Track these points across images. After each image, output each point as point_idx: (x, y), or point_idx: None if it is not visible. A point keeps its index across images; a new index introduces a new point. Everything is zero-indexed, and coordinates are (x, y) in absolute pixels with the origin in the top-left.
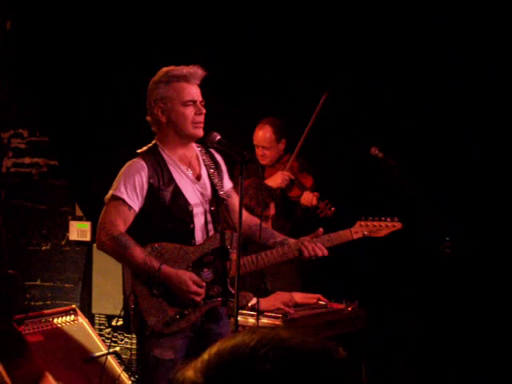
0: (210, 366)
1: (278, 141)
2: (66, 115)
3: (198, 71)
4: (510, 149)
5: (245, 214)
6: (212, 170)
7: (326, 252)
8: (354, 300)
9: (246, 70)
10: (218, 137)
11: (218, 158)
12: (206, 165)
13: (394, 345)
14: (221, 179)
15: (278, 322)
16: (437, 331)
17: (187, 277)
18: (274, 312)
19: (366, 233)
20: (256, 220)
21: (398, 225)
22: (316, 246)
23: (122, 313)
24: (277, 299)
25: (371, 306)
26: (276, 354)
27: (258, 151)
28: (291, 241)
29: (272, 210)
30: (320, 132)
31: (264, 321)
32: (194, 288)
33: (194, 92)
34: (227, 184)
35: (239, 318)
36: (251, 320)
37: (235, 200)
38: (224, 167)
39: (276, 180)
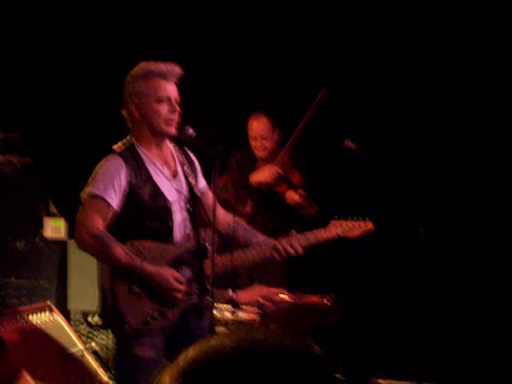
0: (186, 372)
1: (273, 130)
2: (39, 111)
3: (175, 69)
4: (484, 137)
5: (223, 212)
6: (186, 168)
7: (300, 250)
8: (330, 293)
9: (241, 65)
10: (191, 130)
11: (192, 156)
12: (180, 162)
13: (371, 336)
14: (195, 177)
15: (254, 316)
16: (413, 320)
17: (169, 274)
18: (251, 305)
19: (339, 233)
20: (236, 218)
21: (370, 225)
22: (288, 246)
23: (99, 309)
24: (255, 292)
25: (348, 298)
26: (255, 358)
27: (257, 143)
28: (272, 242)
29: (248, 208)
30: (313, 129)
31: (240, 315)
32: (176, 285)
33: (169, 89)
34: (202, 182)
35: (215, 312)
36: (228, 314)
37: (210, 198)
38: (198, 165)
39: (264, 174)
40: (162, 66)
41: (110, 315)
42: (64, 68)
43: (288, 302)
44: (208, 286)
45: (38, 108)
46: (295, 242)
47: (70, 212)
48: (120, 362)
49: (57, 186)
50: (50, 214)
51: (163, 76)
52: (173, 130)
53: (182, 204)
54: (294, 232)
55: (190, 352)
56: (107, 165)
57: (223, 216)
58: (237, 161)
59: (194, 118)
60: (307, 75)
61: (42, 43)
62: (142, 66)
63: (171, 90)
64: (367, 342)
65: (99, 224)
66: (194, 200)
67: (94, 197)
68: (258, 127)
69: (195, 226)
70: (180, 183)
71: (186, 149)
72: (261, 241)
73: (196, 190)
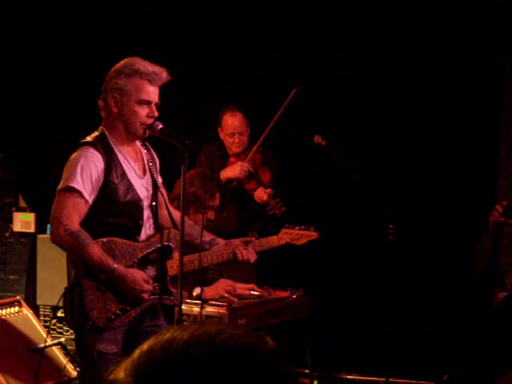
0: (140, 366)
1: (248, 125)
2: (9, 106)
3: (162, 74)
4: (452, 137)
5: (171, 210)
6: (151, 164)
7: (255, 257)
8: (299, 288)
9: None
10: (160, 126)
11: (153, 152)
12: (147, 159)
13: (339, 332)
14: (157, 174)
15: (222, 311)
16: (381, 316)
17: (140, 276)
18: (218, 300)
19: (288, 240)
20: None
21: (315, 234)
22: (249, 253)
23: (61, 303)
24: (220, 287)
25: (317, 294)
26: (206, 351)
27: (235, 139)
28: (220, 241)
29: (217, 201)
30: (284, 127)
31: (209, 309)
32: (146, 287)
33: (152, 92)
34: (159, 179)
35: (184, 307)
36: (196, 309)
37: (164, 195)
38: (158, 161)
39: (235, 170)
40: (151, 68)
41: (73, 310)
42: (37, 64)
43: (257, 297)
44: (169, 286)
45: (8, 102)
46: (252, 250)
47: (40, 207)
48: (83, 357)
49: (27, 181)
50: (20, 209)
51: (148, 78)
52: (146, 133)
53: (149, 202)
54: (253, 238)
55: (145, 346)
56: (84, 157)
57: (172, 214)
58: (206, 155)
59: (163, 113)
60: (279, 73)
61: (9, 41)
62: (130, 62)
63: (154, 94)
64: (335, 337)
65: (76, 221)
66: (157, 198)
67: (72, 191)
68: (235, 123)
69: (156, 224)
70: (148, 181)
71: (147, 144)
72: (207, 240)
73: (161, 188)
